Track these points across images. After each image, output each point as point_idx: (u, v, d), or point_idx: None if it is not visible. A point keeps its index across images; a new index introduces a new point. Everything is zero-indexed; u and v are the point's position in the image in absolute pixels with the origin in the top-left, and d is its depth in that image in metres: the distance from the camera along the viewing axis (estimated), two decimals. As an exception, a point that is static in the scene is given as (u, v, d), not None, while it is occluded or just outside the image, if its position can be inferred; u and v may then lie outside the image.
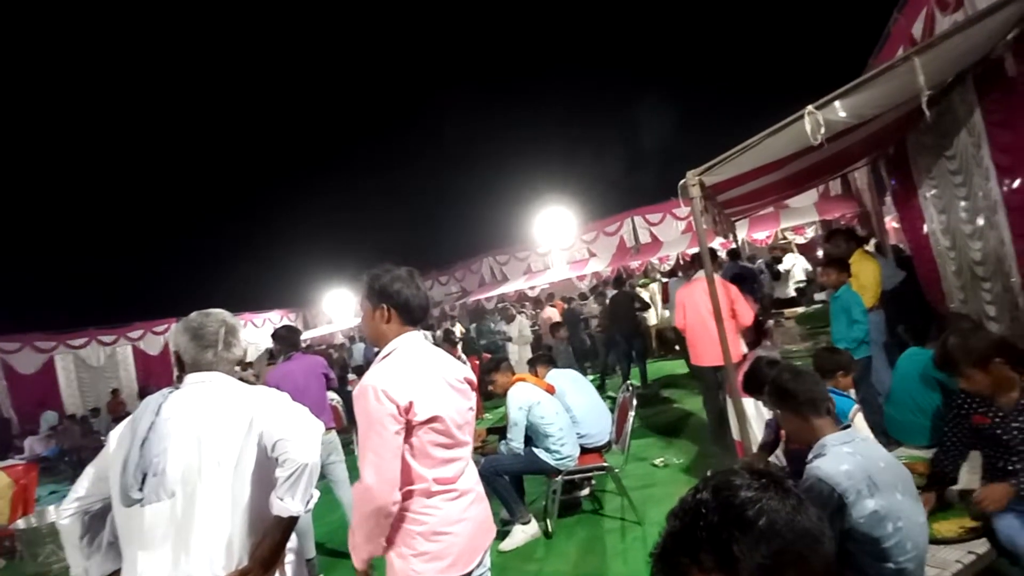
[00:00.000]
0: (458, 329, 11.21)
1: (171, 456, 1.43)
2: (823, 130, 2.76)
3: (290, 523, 1.50)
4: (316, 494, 1.53)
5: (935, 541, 1.90)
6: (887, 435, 3.05)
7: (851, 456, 1.56)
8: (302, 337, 16.85)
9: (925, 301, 5.58)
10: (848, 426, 1.74)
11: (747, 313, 4.11)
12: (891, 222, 7.77)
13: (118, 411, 10.66)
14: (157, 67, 29.47)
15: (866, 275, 4.11)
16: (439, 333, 10.56)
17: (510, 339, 9.23)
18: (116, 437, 1.50)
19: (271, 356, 9.53)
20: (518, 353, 8.90)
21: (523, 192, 18.42)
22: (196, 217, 30.77)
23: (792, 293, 8.31)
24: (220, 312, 1.67)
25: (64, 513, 1.52)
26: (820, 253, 9.31)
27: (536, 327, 10.23)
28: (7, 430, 11.55)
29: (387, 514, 1.44)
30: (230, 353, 1.63)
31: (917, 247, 5.89)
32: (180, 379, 1.62)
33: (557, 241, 14.53)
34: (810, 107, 2.76)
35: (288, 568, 1.57)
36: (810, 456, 1.66)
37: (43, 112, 25.30)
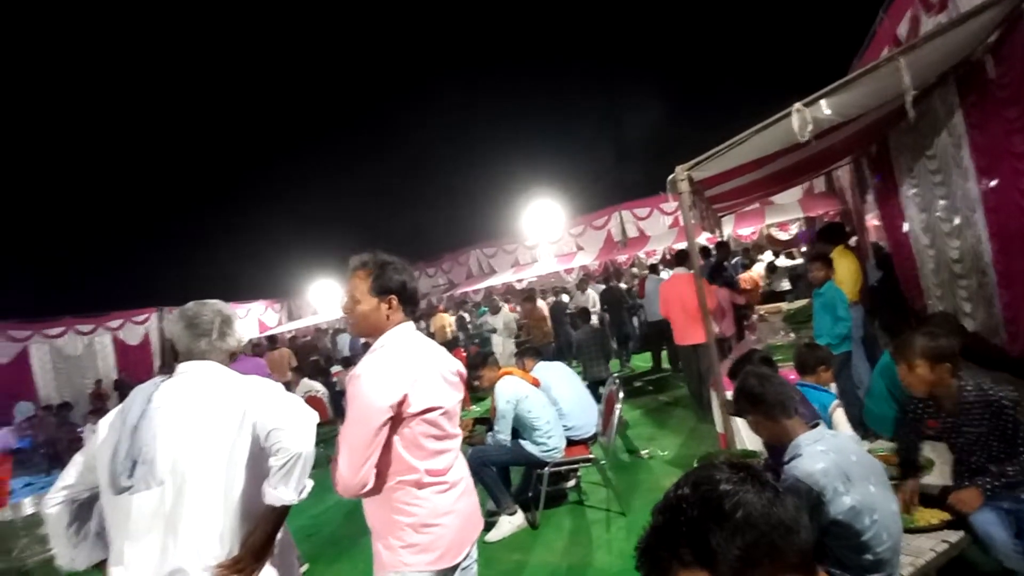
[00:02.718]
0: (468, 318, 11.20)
1: (161, 444, 1.41)
2: (810, 127, 2.80)
3: (283, 512, 1.50)
4: (310, 484, 1.53)
5: (910, 530, 1.97)
6: (865, 427, 3.12)
7: (825, 454, 1.60)
8: (287, 328, 16.45)
9: (902, 298, 5.71)
10: (817, 424, 1.79)
11: (713, 303, 4.86)
12: (872, 220, 7.92)
13: (96, 403, 10.43)
14: (136, 56, 28.62)
15: (843, 270, 4.19)
16: (454, 318, 10.63)
17: (494, 331, 9.23)
18: (106, 425, 1.49)
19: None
20: (502, 345, 8.91)
21: (511, 185, 18.36)
22: (177, 205, 30.09)
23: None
24: (216, 302, 1.66)
25: (51, 502, 1.50)
26: (803, 249, 9.48)
27: (524, 319, 10.25)
28: (-22, 422, 11.25)
29: (358, 495, 1.48)
30: (224, 343, 1.62)
31: (896, 245, 6.02)
32: (164, 368, 1.61)
33: (545, 234, 14.55)
34: (797, 104, 2.80)
35: (277, 559, 1.57)
36: (786, 457, 1.70)
37: (19, 98, 24.47)
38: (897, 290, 5.76)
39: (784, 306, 6.42)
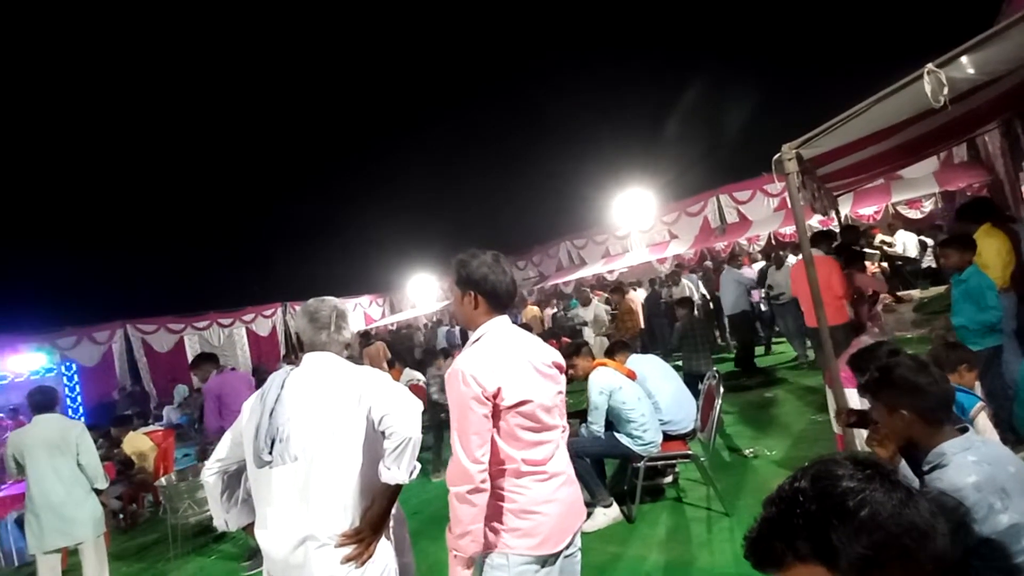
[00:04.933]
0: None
1: (294, 426, 1.61)
2: (946, 90, 2.45)
3: (396, 490, 1.65)
4: (418, 466, 1.66)
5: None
6: (1016, 433, 2.72)
7: (977, 465, 1.38)
8: (389, 321, 17.67)
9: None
10: (965, 428, 1.55)
11: (839, 286, 4.61)
12: (1031, 191, 6.74)
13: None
14: (244, 53, 32.02)
15: (989, 252, 3.61)
16: (549, 311, 10.73)
17: (585, 323, 9.15)
18: (249, 408, 1.72)
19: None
20: (593, 338, 8.80)
21: (601, 174, 18.06)
22: (294, 211, 33.68)
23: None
24: (332, 299, 1.85)
25: (208, 472, 1.77)
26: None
27: (615, 310, 10.06)
28: (147, 401, 13.38)
29: (477, 490, 1.47)
30: (340, 335, 1.81)
31: (1065, 219, 5.08)
32: (287, 357, 1.82)
33: (636, 223, 14.13)
34: (930, 65, 2.46)
35: (392, 532, 1.73)
36: (926, 466, 1.49)
37: (184, 128, 28.71)
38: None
39: (916, 294, 5.71)
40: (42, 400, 3.56)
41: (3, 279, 21.71)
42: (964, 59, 2.42)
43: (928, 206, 9.66)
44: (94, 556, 3.58)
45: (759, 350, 8.10)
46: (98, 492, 3.66)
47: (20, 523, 4.87)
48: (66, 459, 3.48)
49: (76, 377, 12.28)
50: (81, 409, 12.04)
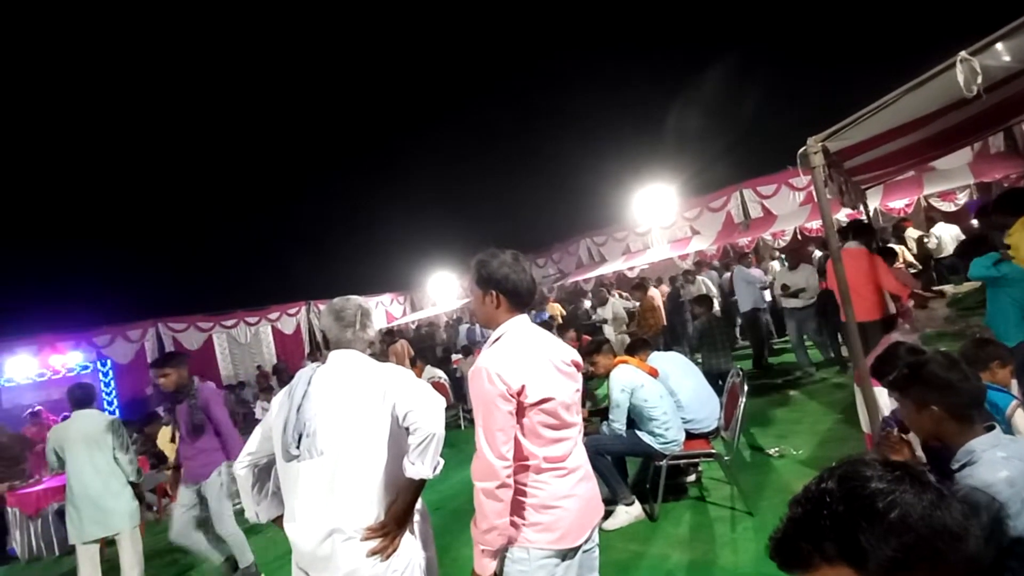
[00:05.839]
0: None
1: (320, 421, 1.65)
2: (980, 79, 2.36)
3: (420, 485, 1.68)
4: (442, 461, 1.68)
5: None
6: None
7: (1007, 461, 1.37)
8: (410, 319, 17.89)
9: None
10: (992, 426, 1.52)
11: (889, 281, 4.44)
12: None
13: (262, 383, 12.22)
14: (267, 53, 32.55)
15: None
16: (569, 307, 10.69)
17: (605, 321, 9.12)
18: (277, 404, 1.77)
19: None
20: (614, 336, 8.77)
21: (621, 170, 17.86)
22: (316, 211, 34.34)
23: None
24: (356, 298, 1.90)
25: (239, 465, 1.83)
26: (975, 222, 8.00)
27: (635, 308, 9.98)
28: (179, 397, 13.77)
29: (503, 485, 1.50)
30: (365, 333, 1.85)
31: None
32: (312, 355, 1.87)
33: (657, 220, 13.96)
34: (963, 53, 2.38)
35: (416, 527, 1.76)
36: (955, 464, 1.47)
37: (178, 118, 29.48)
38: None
39: (949, 289, 5.53)
40: (81, 396, 3.71)
41: (42, 279, 22.65)
42: (999, 46, 2.33)
43: (962, 198, 9.31)
44: (130, 546, 3.72)
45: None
46: (134, 485, 3.80)
47: (61, 514, 5.09)
48: (103, 453, 3.63)
49: (111, 374, 12.73)
50: (116, 405, 12.48)
